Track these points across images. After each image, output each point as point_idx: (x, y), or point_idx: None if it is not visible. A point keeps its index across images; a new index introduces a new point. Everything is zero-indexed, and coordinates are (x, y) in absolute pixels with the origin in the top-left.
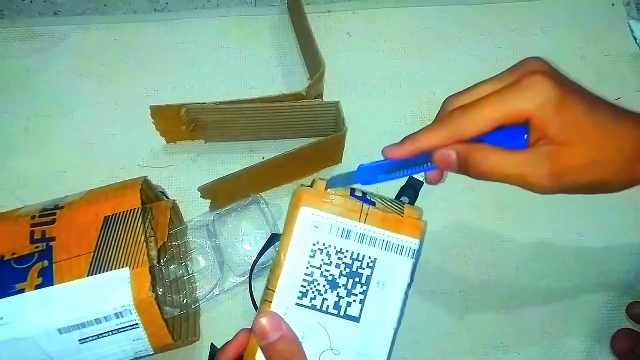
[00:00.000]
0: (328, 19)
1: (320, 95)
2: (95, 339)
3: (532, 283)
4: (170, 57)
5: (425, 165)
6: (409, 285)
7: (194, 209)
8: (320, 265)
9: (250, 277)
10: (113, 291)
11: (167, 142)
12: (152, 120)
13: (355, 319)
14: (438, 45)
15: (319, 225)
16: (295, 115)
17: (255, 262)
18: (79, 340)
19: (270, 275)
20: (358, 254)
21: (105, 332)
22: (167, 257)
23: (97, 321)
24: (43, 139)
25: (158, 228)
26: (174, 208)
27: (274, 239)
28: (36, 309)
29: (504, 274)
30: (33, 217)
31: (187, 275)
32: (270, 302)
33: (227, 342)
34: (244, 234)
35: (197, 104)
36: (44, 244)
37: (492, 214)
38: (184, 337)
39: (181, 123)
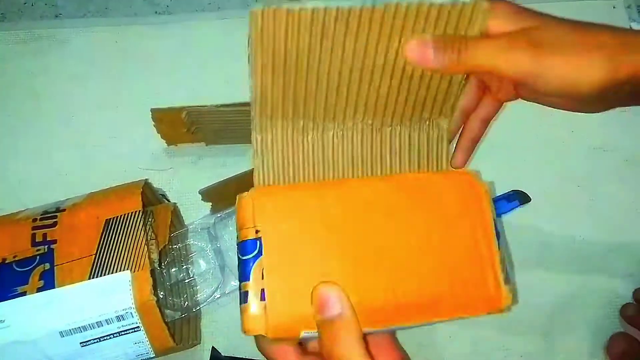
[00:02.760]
0: None
1: None
2: (97, 342)
3: (533, 286)
4: (172, 59)
5: None
6: None
7: (195, 212)
8: None
9: None
10: (114, 294)
11: (168, 145)
12: (153, 123)
13: None
14: None
15: None
16: None
17: None
18: (81, 343)
19: None
20: None
21: (107, 335)
22: (168, 260)
23: (99, 324)
24: (44, 142)
25: (159, 231)
26: (175, 211)
27: None
28: (38, 312)
29: None
30: (34, 220)
31: (188, 279)
32: None
33: None
34: None
35: (198, 106)
36: (46, 246)
37: None
38: (185, 341)
39: (182, 126)
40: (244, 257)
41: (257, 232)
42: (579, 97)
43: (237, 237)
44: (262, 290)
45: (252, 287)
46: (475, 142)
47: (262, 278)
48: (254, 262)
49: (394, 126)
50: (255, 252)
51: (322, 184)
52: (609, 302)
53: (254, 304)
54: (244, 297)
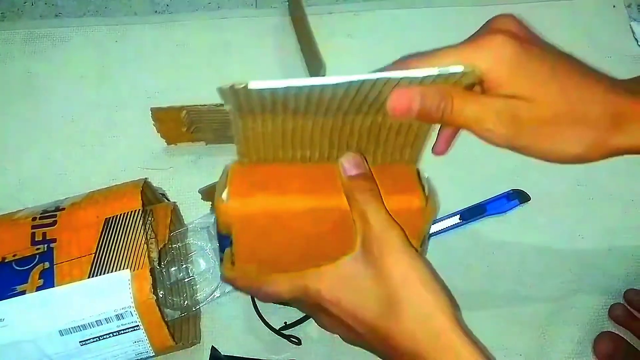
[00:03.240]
0: (329, 21)
1: None
2: (96, 340)
3: (533, 285)
4: (171, 59)
5: None
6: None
7: (195, 211)
8: None
9: None
10: (114, 293)
11: (167, 144)
12: (153, 122)
13: None
14: (440, 47)
15: None
16: None
17: None
18: (80, 342)
19: None
20: None
21: (106, 334)
22: (167, 259)
23: (98, 323)
24: (44, 141)
25: (159, 230)
26: (175, 210)
27: None
28: (37, 311)
29: (505, 276)
30: (34, 218)
31: (187, 278)
32: None
33: None
34: None
35: (198, 105)
36: (45, 245)
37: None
38: (184, 340)
39: (182, 125)
40: (220, 239)
41: (230, 230)
42: (560, 163)
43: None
44: (232, 260)
45: (225, 257)
46: (456, 132)
47: (232, 257)
48: (227, 246)
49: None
50: (228, 241)
51: (293, 190)
52: (608, 302)
53: (227, 265)
54: (220, 259)
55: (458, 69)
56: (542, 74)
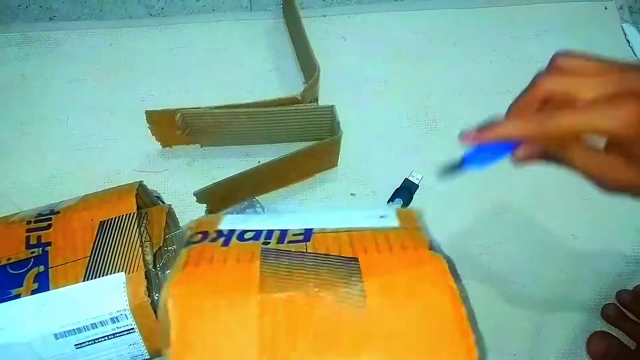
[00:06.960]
0: (323, 23)
1: (316, 100)
2: (92, 343)
3: (526, 285)
4: (166, 61)
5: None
6: None
7: (190, 213)
8: None
9: None
10: (109, 296)
11: (162, 147)
12: (148, 125)
13: None
14: (433, 49)
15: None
16: (291, 119)
17: None
18: (75, 345)
19: None
20: None
21: (102, 337)
22: (162, 262)
23: (93, 326)
24: (39, 144)
25: (154, 233)
26: (170, 213)
27: None
28: (32, 314)
29: (499, 276)
30: (29, 222)
31: None
32: None
33: None
34: None
35: (192, 108)
36: (40, 249)
37: (488, 216)
38: None
39: (177, 128)
40: None
41: None
42: None
43: None
44: None
45: None
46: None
47: None
48: None
49: None
50: None
51: None
52: (601, 302)
53: None
54: None
55: None
56: None
